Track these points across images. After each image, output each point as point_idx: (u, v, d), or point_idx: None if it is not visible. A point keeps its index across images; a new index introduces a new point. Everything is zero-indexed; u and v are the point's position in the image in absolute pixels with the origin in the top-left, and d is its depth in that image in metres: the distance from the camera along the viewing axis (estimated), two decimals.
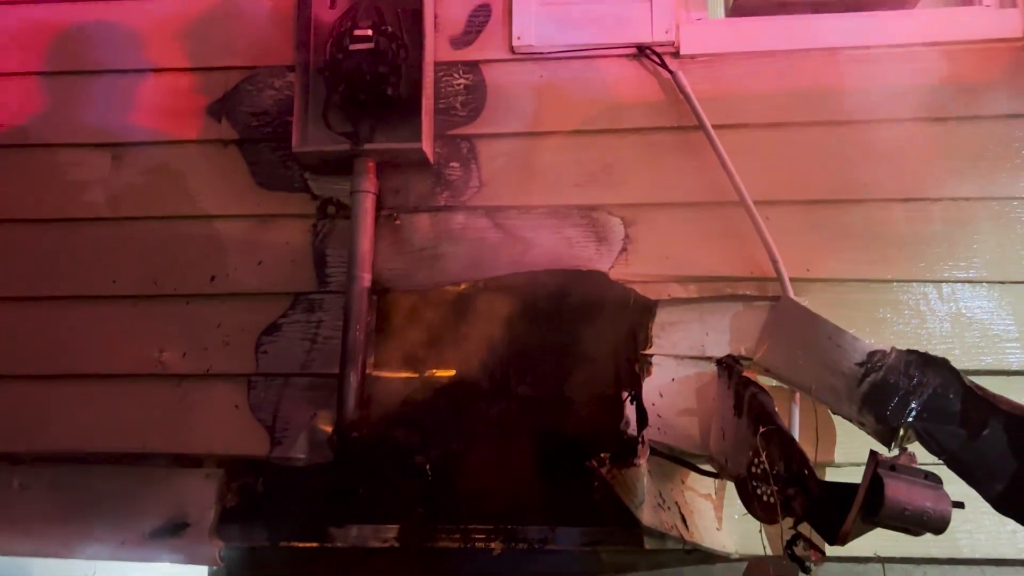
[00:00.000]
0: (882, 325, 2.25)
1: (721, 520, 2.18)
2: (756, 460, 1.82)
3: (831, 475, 2.16)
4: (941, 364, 1.93)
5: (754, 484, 1.84)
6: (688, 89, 2.40)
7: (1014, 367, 2.20)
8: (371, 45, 2.39)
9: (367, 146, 2.37)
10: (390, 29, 2.43)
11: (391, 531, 2.25)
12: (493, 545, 2.22)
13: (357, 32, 2.40)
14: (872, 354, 1.98)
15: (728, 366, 2.09)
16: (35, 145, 2.59)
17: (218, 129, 2.55)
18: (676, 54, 2.46)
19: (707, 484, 2.21)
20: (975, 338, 2.23)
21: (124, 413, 2.39)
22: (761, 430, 1.78)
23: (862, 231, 2.31)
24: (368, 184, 2.40)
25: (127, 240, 2.50)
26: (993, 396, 1.81)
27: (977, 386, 1.85)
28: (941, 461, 1.80)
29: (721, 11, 2.54)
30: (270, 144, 2.53)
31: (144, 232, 2.51)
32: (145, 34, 2.62)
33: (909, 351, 1.97)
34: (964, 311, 2.25)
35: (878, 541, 1.61)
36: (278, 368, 2.38)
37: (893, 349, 1.98)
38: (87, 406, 2.40)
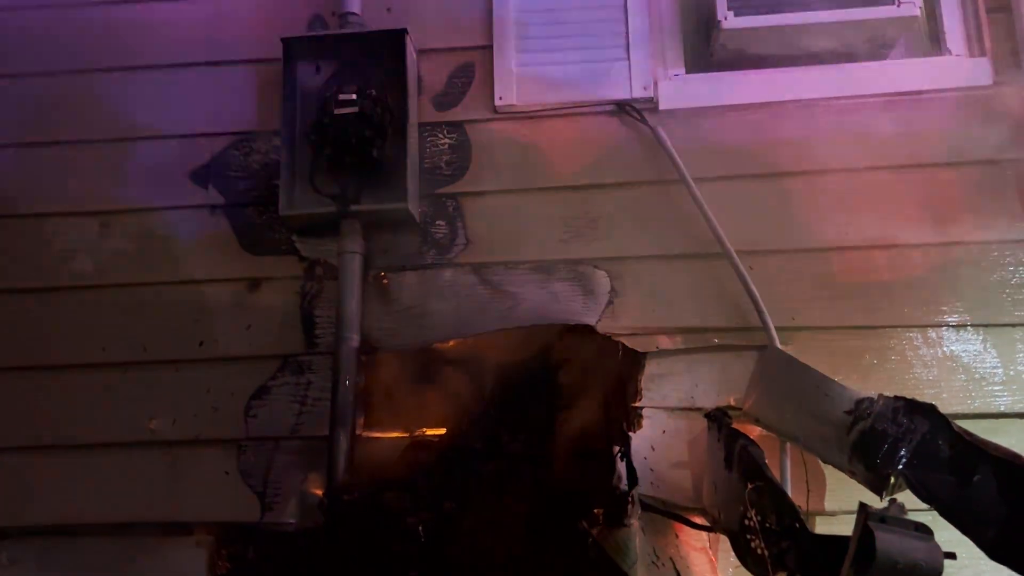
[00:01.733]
0: (869, 371, 2.26)
1: (716, 573, 2.16)
2: (748, 514, 1.81)
3: (822, 524, 2.15)
4: (929, 410, 1.92)
5: (747, 537, 1.83)
6: (668, 143, 2.44)
7: (1002, 409, 2.21)
8: (356, 109, 2.43)
9: (354, 207, 2.40)
10: (374, 93, 2.47)
11: None
12: None
13: (342, 96, 2.44)
14: (860, 402, 1.98)
15: (717, 419, 2.10)
16: (23, 215, 2.60)
17: (204, 195, 2.57)
18: (655, 109, 2.51)
19: (701, 537, 2.19)
20: (962, 382, 2.24)
21: (113, 483, 2.37)
22: (750, 486, 1.78)
23: (845, 278, 2.34)
24: (355, 245, 2.42)
25: (115, 307, 2.51)
26: (982, 442, 1.81)
27: (966, 432, 1.85)
28: (932, 508, 1.79)
29: (696, 66, 2.58)
30: (257, 208, 2.55)
31: (132, 299, 2.52)
32: (132, 102, 2.64)
33: (897, 398, 1.98)
34: (950, 355, 2.26)
35: None
36: (268, 432, 2.38)
37: (881, 396, 1.98)
38: (75, 477, 2.39)
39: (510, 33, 2.59)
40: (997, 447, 1.76)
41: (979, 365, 2.25)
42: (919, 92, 2.45)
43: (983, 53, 2.46)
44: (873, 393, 1.99)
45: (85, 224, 2.59)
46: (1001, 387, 2.23)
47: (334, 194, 2.44)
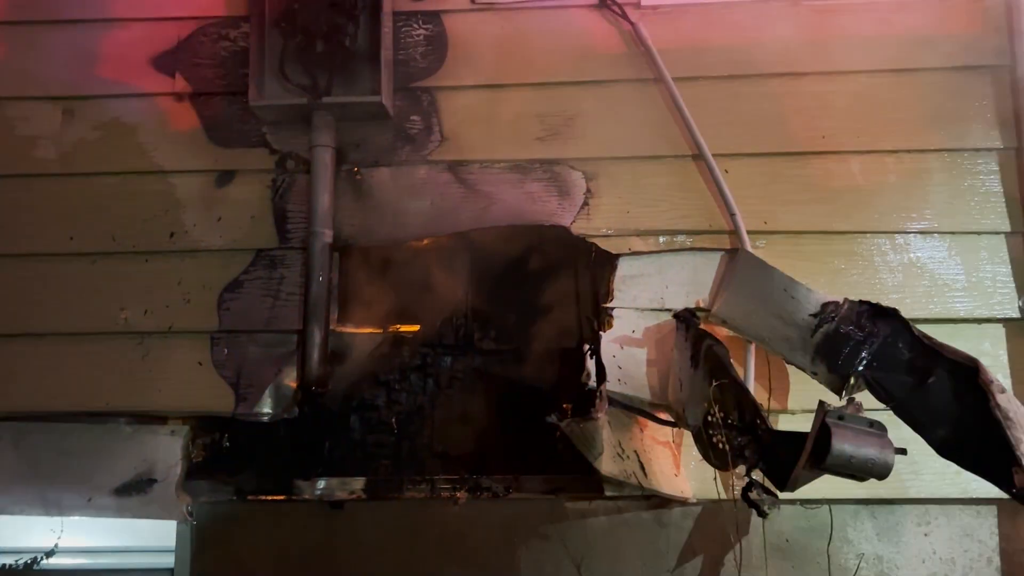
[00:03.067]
0: (837, 275, 2.30)
1: (679, 467, 2.24)
2: (711, 410, 1.87)
3: (785, 422, 2.23)
4: (891, 314, 1.98)
5: (709, 433, 1.90)
6: (648, 41, 2.40)
7: (961, 315, 2.27)
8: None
9: (325, 100, 2.34)
10: None
11: (358, 483, 2.30)
12: (459, 495, 2.27)
13: None
14: (826, 305, 2.03)
15: (685, 319, 2.14)
16: None
17: (171, 82, 2.49)
18: (638, 5, 2.44)
19: (665, 432, 2.27)
20: (925, 287, 2.29)
21: (86, 372, 2.38)
22: (715, 383, 1.83)
23: (820, 183, 2.35)
24: (327, 139, 2.37)
25: (82, 196, 2.46)
26: (940, 345, 1.87)
27: (925, 335, 1.91)
28: (888, 408, 1.87)
29: None
30: (226, 98, 2.48)
31: (99, 188, 2.47)
32: None
33: (861, 302, 2.03)
34: (915, 261, 2.30)
35: (828, 484, 1.67)
36: (241, 325, 2.38)
37: (846, 300, 2.03)
38: (48, 365, 2.39)
39: None
40: (953, 350, 1.83)
41: (943, 271, 2.29)
42: None
43: None
44: (839, 297, 2.04)
45: (48, 110, 2.50)
46: (962, 293, 2.28)
47: (305, 84, 2.37)
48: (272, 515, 2.30)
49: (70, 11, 2.54)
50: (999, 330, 2.28)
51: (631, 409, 2.17)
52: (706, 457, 1.95)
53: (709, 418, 1.89)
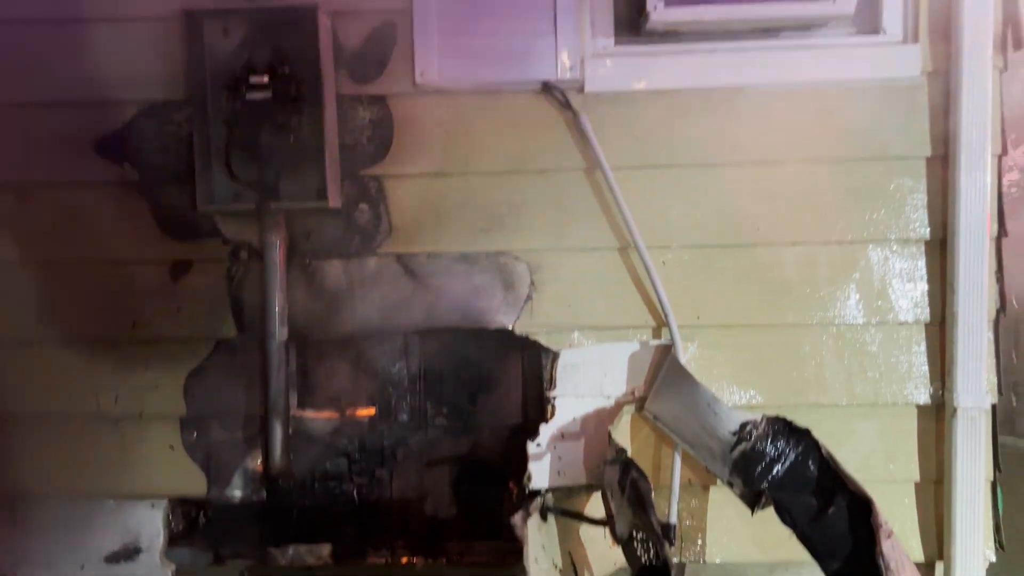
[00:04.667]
0: (768, 367, 2.45)
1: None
2: (635, 534, 2.09)
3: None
4: (804, 433, 2.17)
5: (632, 548, 2.13)
6: (589, 130, 2.43)
7: (882, 401, 2.44)
8: (269, 94, 2.34)
9: (273, 206, 2.39)
10: (288, 70, 2.36)
11: (325, 549, 2.53)
12: (416, 559, 2.52)
13: (254, 80, 2.34)
14: (744, 424, 2.20)
15: (618, 452, 2.29)
16: None
17: (119, 171, 2.51)
18: (581, 90, 2.45)
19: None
20: (851, 375, 2.45)
21: (65, 455, 2.55)
22: (635, 519, 2.04)
23: (753, 275, 2.45)
24: (277, 236, 2.44)
25: (45, 284, 2.54)
26: (844, 474, 2.07)
27: (832, 459, 2.11)
28: (793, 533, 2.09)
29: (627, 35, 2.48)
30: (175, 186, 2.51)
31: (60, 276, 2.54)
32: (32, 64, 2.49)
33: (777, 419, 2.20)
34: (843, 351, 2.45)
35: None
36: (207, 410, 2.54)
37: (764, 417, 2.20)
38: (27, 448, 2.56)
39: (431, 1, 2.42)
40: (854, 483, 2.03)
41: (868, 360, 2.44)
42: (846, 81, 2.41)
43: (916, 39, 2.40)
44: (757, 415, 2.21)
45: (2, 196, 2.53)
46: (884, 380, 2.44)
47: (252, 181, 2.40)
48: None
49: (19, 95, 2.51)
50: (912, 411, 2.47)
51: (567, 515, 2.38)
52: (631, 564, 2.18)
53: (635, 535, 2.12)
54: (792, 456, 2.15)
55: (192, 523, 2.58)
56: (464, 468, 2.56)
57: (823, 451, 2.12)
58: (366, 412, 2.56)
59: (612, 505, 2.21)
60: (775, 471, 2.15)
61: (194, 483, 2.54)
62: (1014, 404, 3.46)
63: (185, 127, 2.50)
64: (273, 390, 2.45)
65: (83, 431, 2.56)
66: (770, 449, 2.16)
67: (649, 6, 2.27)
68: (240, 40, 2.41)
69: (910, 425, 2.46)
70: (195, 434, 2.55)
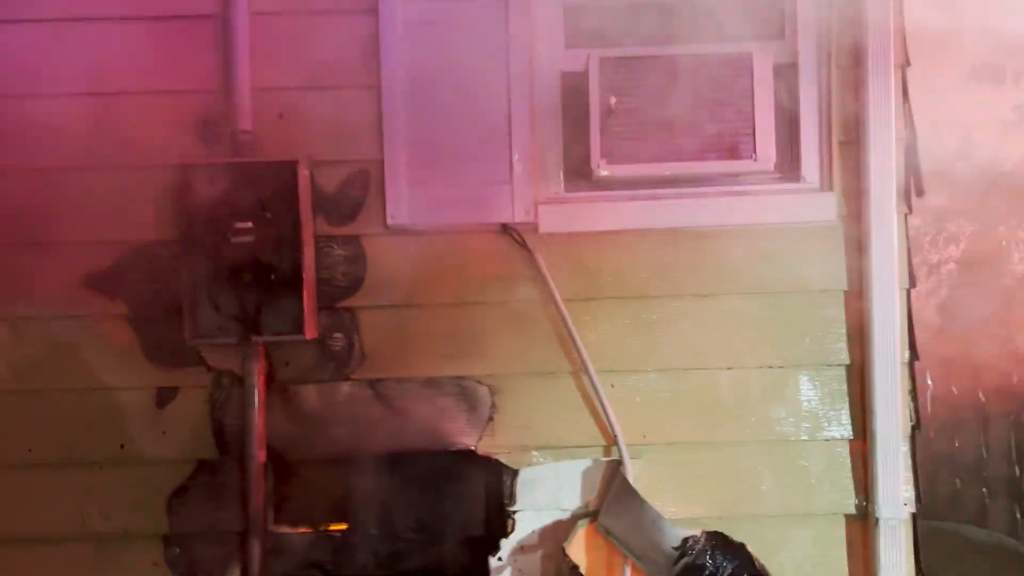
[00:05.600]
0: (709, 481, 2.69)
1: None
2: None
3: None
4: (739, 547, 2.40)
5: None
6: (543, 266, 2.69)
7: (815, 510, 2.68)
8: (252, 238, 2.58)
9: (254, 338, 2.60)
10: (270, 215, 2.61)
11: None
12: None
13: (239, 225, 2.58)
14: (685, 540, 2.43)
15: (571, 567, 2.50)
16: None
17: (112, 304, 2.72)
18: (536, 231, 2.72)
19: None
20: (783, 487, 2.69)
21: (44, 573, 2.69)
22: None
23: (693, 397, 2.71)
24: (257, 367, 2.65)
25: (37, 410, 2.71)
26: None
27: (765, 571, 2.33)
28: None
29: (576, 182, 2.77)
30: (162, 319, 2.71)
31: (51, 403, 2.72)
32: (30, 212, 2.70)
33: (714, 534, 2.44)
34: (775, 465, 2.69)
35: None
36: (189, 527, 2.70)
37: (704, 533, 2.44)
38: (10, 570, 2.69)
39: (402, 151, 2.70)
40: None
41: (799, 473, 2.69)
42: (770, 224, 2.71)
43: (831, 188, 2.71)
44: (697, 531, 2.44)
45: None
46: (817, 491, 2.69)
47: (236, 315, 2.62)
48: None
49: (8, 234, 2.72)
50: (840, 521, 2.71)
51: None
52: None
53: None
54: (730, 568, 2.38)
55: None
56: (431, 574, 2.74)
57: (757, 564, 2.34)
58: (339, 527, 2.74)
59: None
60: None
61: None
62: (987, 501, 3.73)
63: (172, 265, 2.72)
64: (252, 508, 2.63)
65: (68, 552, 2.70)
66: (709, 563, 2.39)
67: (593, 164, 2.56)
68: (226, 188, 2.65)
69: (840, 533, 2.70)
70: (177, 551, 2.70)
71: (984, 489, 3.83)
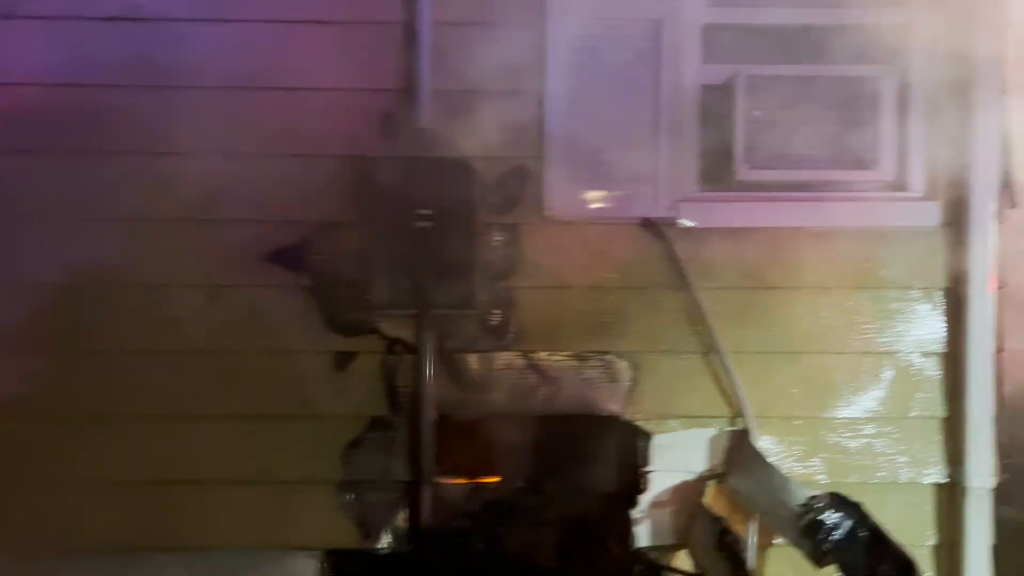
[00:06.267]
0: (821, 451, 3.07)
1: None
2: None
3: None
4: (855, 506, 2.78)
5: None
6: (680, 257, 3.05)
7: (902, 480, 3.08)
8: (432, 224, 2.94)
9: (433, 312, 2.97)
10: (445, 205, 2.97)
11: None
12: None
13: (420, 211, 2.94)
14: (810, 498, 2.81)
15: (716, 518, 2.89)
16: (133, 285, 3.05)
17: (297, 277, 3.07)
18: (674, 225, 3.08)
19: None
20: (877, 462, 3.08)
21: (240, 514, 3.05)
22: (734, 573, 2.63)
23: (809, 378, 3.09)
24: (431, 337, 3.01)
25: (226, 369, 3.06)
26: (890, 539, 2.69)
27: (879, 526, 2.72)
28: None
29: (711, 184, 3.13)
30: (342, 289, 3.07)
31: (242, 362, 3.07)
32: (228, 192, 3.04)
33: (834, 494, 2.81)
34: (871, 444, 3.09)
35: None
36: (362, 475, 3.07)
37: (825, 494, 2.81)
38: (204, 506, 3.05)
39: (560, 151, 3.05)
40: (899, 546, 2.64)
41: (901, 448, 3.08)
42: (881, 227, 3.09)
43: (935, 197, 3.09)
44: (820, 491, 2.82)
45: (192, 295, 3.06)
46: (904, 463, 3.08)
47: (414, 290, 2.97)
48: None
49: (208, 212, 3.06)
50: (931, 489, 3.11)
51: (666, 569, 2.96)
52: None
53: None
54: (848, 524, 2.75)
55: (340, 572, 3.09)
56: (570, 528, 3.12)
57: (870, 520, 2.73)
58: (492, 479, 3.11)
59: (706, 561, 2.79)
60: (835, 536, 2.75)
61: (349, 538, 3.06)
62: None
63: (351, 243, 3.07)
64: (424, 460, 3.00)
65: (254, 493, 3.06)
66: (831, 519, 2.77)
67: (736, 168, 2.93)
68: (409, 179, 2.99)
69: (929, 500, 3.09)
70: (351, 496, 3.07)
71: None
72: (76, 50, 3.02)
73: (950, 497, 3.09)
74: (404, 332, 3.07)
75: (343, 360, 3.09)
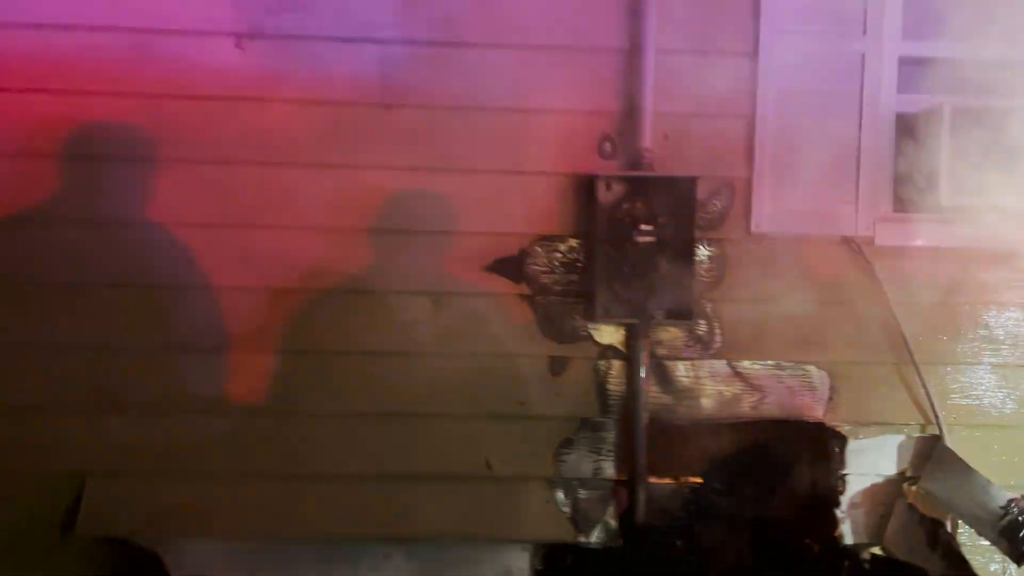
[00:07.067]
0: (1012, 456, 3.29)
1: None
2: None
3: None
4: None
5: None
6: (878, 275, 3.26)
7: None
8: (653, 239, 3.14)
9: (653, 322, 3.17)
10: (664, 221, 3.17)
11: None
12: None
13: (643, 227, 3.14)
14: (1010, 500, 3.02)
15: (931, 519, 3.10)
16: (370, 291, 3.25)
17: (516, 286, 3.27)
18: (872, 243, 3.29)
19: None
20: None
21: (462, 507, 3.26)
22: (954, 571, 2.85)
23: (1000, 390, 3.30)
24: (645, 344, 3.22)
25: (453, 370, 3.26)
26: None
27: None
28: None
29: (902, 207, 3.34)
30: (558, 298, 3.27)
31: (463, 364, 3.27)
32: (454, 205, 3.24)
33: None
34: None
35: None
36: (574, 473, 3.28)
37: (1022, 496, 3.03)
38: (434, 500, 3.26)
39: (767, 171, 3.25)
40: None
41: None
42: None
43: None
44: (1018, 494, 3.03)
45: (421, 302, 3.26)
46: None
47: (633, 303, 3.18)
48: None
49: (429, 224, 3.26)
50: None
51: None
52: None
53: None
54: None
55: (554, 564, 3.30)
56: (764, 527, 3.33)
57: None
58: (695, 480, 3.32)
59: (915, 559, 3.01)
60: None
61: (563, 532, 3.27)
62: None
63: (568, 254, 3.27)
64: (638, 461, 3.21)
65: (472, 488, 3.27)
66: None
67: (942, 194, 3.13)
68: (620, 195, 3.20)
69: None
70: (562, 493, 3.28)
71: None
72: (318, 68, 3.20)
73: None
74: (614, 339, 3.27)
75: (558, 365, 3.28)
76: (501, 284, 3.27)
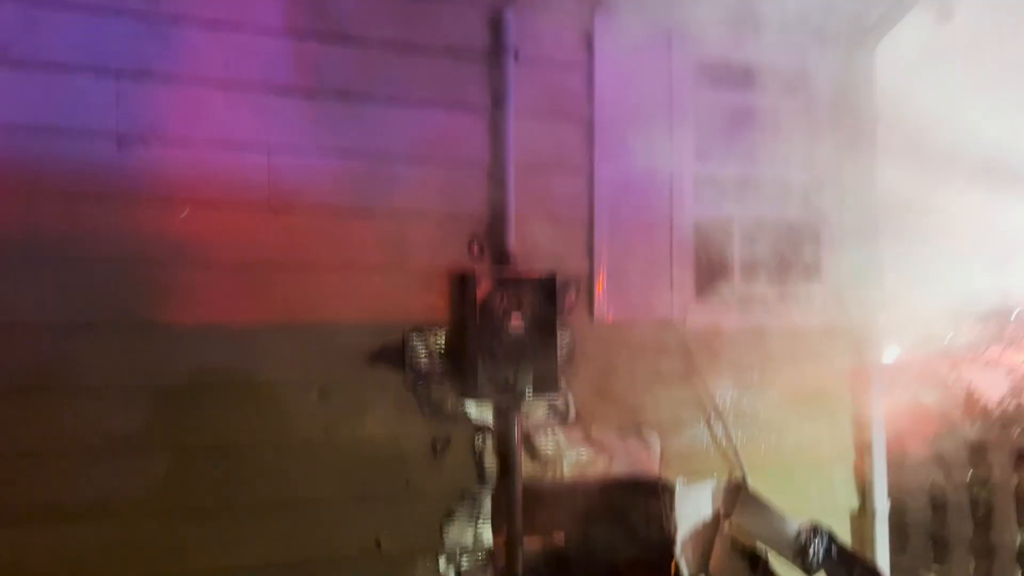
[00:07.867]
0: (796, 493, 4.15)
1: None
2: None
3: None
4: (827, 531, 3.87)
5: None
6: (692, 348, 4.02)
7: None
8: (523, 330, 3.64)
9: (523, 400, 3.64)
10: (531, 313, 3.68)
11: None
12: None
13: (514, 322, 3.63)
14: (799, 529, 3.85)
15: (741, 546, 3.83)
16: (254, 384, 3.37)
17: (399, 372, 3.58)
18: (684, 323, 4.05)
19: None
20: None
21: None
22: None
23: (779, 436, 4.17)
24: (516, 419, 3.67)
25: (341, 456, 3.46)
26: (856, 554, 3.80)
27: (847, 546, 3.83)
28: None
29: (704, 297, 4.16)
30: (435, 383, 3.63)
31: (354, 447, 3.49)
32: (339, 299, 3.50)
33: (812, 523, 3.88)
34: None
35: None
36: (457, 542, 3.60)
37: (809, 523, 3.87)
38: None
39: (604, 267, 3.91)
40: (865, 559, 3.76)
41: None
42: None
43: None
44: (806, 522, 3.88)
45: (307, 393, 3.45)
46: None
47: (506, 383, 3.62)
48: None
49: (315, 315, 3.48)
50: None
51: None
52: None
53: None
54: (824, 544, 3.83)
55: None
56: (617, 571, 3.88)
57: (839, 543, 3.84)
58: (559, 536, 3.80)
59: None
60: (817, 555, 3.81)
61: None
62: None
63: (442, 343, 3.66)
64: (515, 524, 3.62)
65: (365, 567, 3.47)
66: (813, 541, 3.83)
67: (733, 284, 3.97)
68: (492, 291, 3.67)
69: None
70: (446, 561, 3.59)
71: None
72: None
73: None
74: (486, 417, 3.69)
75: (439, 443, 3.63)
76: (384, 371, 3.55)
